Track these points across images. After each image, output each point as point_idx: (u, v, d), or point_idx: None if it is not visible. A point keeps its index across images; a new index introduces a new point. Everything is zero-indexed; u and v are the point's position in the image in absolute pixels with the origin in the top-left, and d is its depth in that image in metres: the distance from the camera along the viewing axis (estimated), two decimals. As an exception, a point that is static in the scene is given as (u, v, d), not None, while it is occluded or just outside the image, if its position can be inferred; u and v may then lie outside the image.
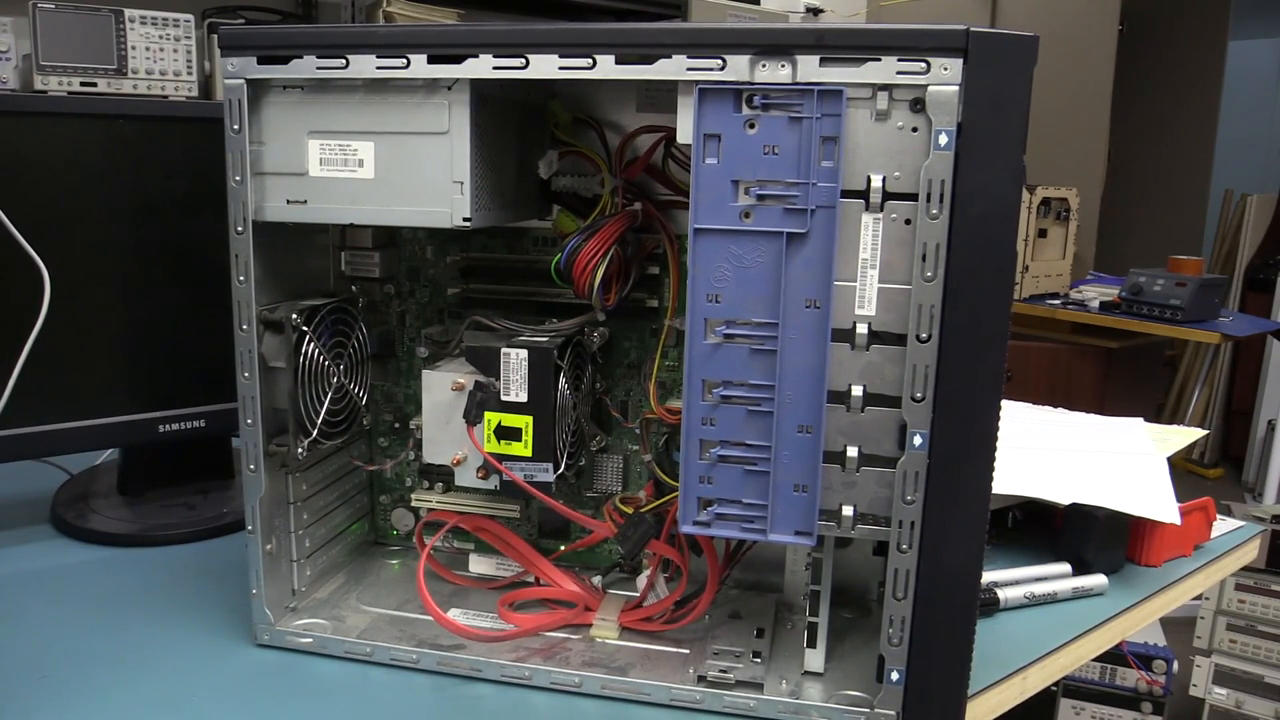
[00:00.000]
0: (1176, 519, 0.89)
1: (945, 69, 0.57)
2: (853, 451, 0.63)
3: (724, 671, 0.70)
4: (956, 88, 0.57)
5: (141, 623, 0.78)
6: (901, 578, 0.63)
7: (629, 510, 0.77)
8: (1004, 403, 0.61)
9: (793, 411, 0.63)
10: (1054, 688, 1.90)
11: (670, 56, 0.61)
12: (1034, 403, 1.25)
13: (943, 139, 0.58)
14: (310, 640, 0.75)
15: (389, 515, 0.90)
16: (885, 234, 0.60)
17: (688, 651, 0.74)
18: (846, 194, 0.60)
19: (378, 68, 0.65)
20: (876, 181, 0.60)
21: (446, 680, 0.72)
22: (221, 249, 0.69)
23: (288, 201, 0.70)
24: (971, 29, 0.57)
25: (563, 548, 0.86)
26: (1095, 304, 2.46)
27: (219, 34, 0.69)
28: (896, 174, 0.60)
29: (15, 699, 0.68)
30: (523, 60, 0.63)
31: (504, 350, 0.72)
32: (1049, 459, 1.02)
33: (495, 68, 0.64)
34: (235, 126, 0.68)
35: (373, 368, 0.84)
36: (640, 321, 0.81)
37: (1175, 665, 1.88)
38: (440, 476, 0.84)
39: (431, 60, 0.64)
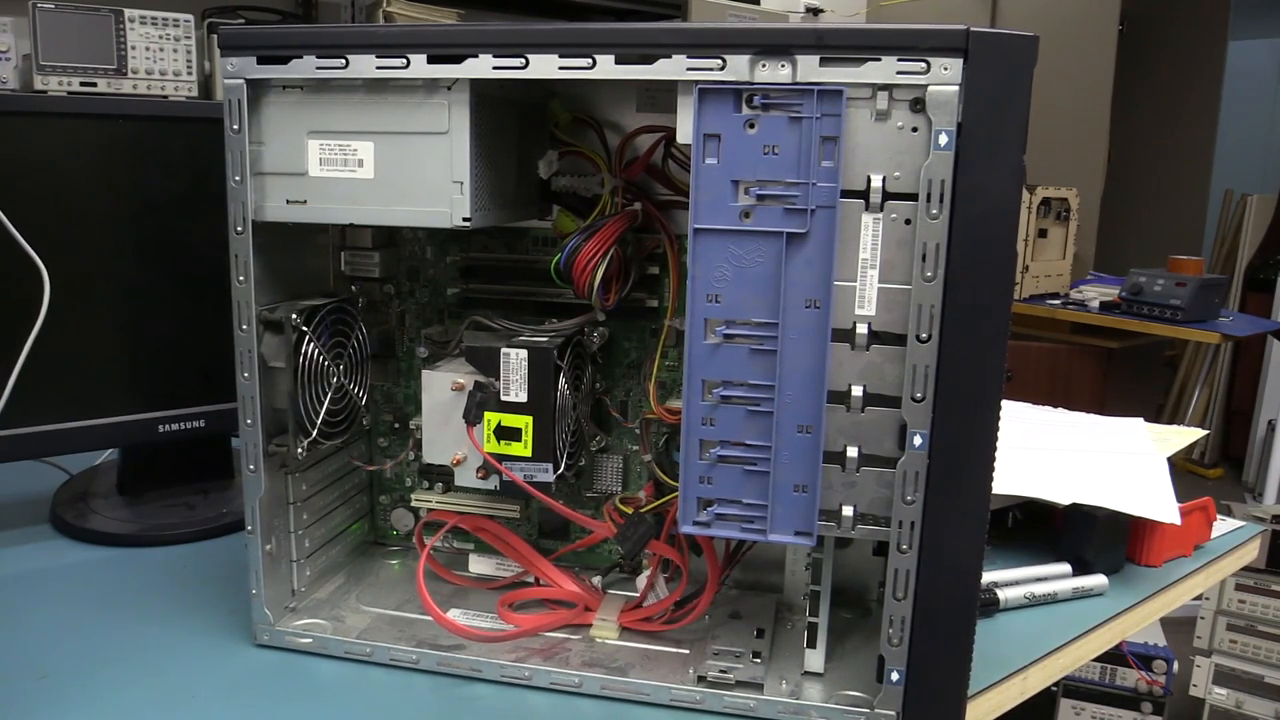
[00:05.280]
0: (1176, 519, 0.89)
1: (945, 69, 0.57)
2: (853, 451, 0.63)
3: (724, 671, 0.70)
4: (956, 88, 0.57)
5: (141, 623, 0.78)
6: (901, 578, 0.63)
7: (629, 510, 0.77)
8: (1004, 403, 0.61)
9: (793, 411, 0.63)
10: (1054, 688, 1.90)
11: (670, 56, 0.61)
12: (1034, 403, 1.25)
13: (943, 139, 0.58)
14: (310, 640, 0.75)
15: (389, 515, 0.90)
16: (885, 234, 0.60)
17: (688, 651, 0.74)
18: (846, 194, 0.60)
19: (378, 68, 0.65)
20: (876, 181, 0.60)
21: (446, 680, 0.72)
22: (221, 249, 0.69)
23: (288, 201, 0.70)
24: (971, 29, 0.57)
25: (563, 548, 0.85)
26: (1095, 304, 2.45)
27: (219, 34, 0.69)
28: (896, 174, 0.60)
29: (15, 699, 0.68)
30: (523, 60, 0.63)
31: (504, 350, 0.72)
32: (1049, 459, 1.02)
33: (495, 68, 0.64)
34: (235, 126, 0.68)
35: (373, 368, 0.84)
36: (640, 321, 0.81)
37: (1175, 665, 1.88)
38: (440, 476, 0.84)
39: (431, 60, 0.64)
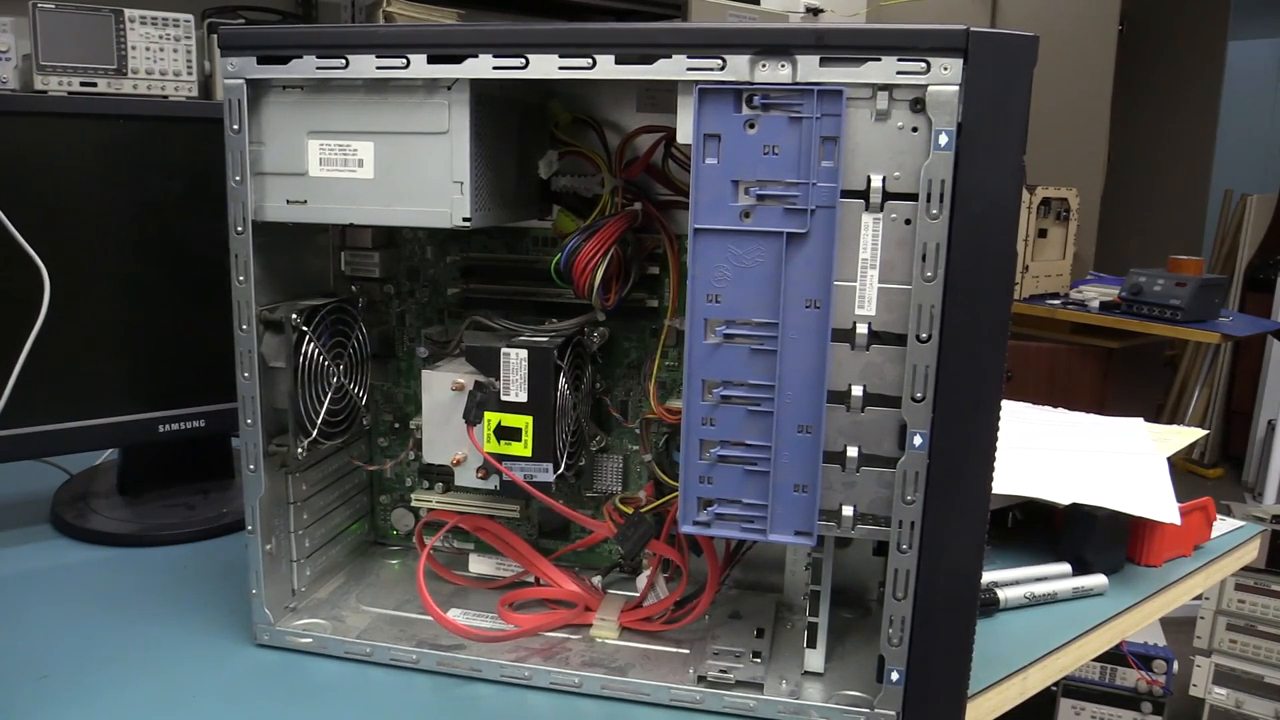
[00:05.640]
0: (1176, 519, 0.89)
1: (945, 69, 0.57)
2: (853, 451, 0.63)
3: (724, 671, 0.70)
4: (956, 88, 0.57)
5: (141, 623, 0.78)
6: (901, 578, 0.63)
7: (629, 510, 0.77)
8: (1004, 403, 0.61)
9: (793, 411, 0.63)
10: (1054, 688, 1.90)
11: (670, 56, 0.61)
12: (1034, 403, 1.25)
13: (943, 139, 0.58)
14: (310, 640, 0.75)
15: (389, 515, 0.90)
16: (885, 234, 0.60)
17: (688, 651, 0.74)
18: (846, 194, 0.60)
19: (378, 68, 0.65)
20: (876, 181, 0.60)
21: (446, 680, 0.72)
22: (221, 249, 0.69)
23: (288, 201, 0.69)
24: (971, 29, 0.57)
25: (563, 548, 0.86)
26: (1095, 304, 2.45)
27: (219, 34, 0.69)
28: (896, 174, 0.60)
29: (15, 699, 0.68)
30: (523, 60, 0.63)
31: (504, 350, 0.72)
32: (1049, 459, 1.02)
33: (495, 68, 0.64)
34: (235, 126, 0.68)
35: (373, 368, 0.84)
36: (640, 321, 0.81)
37: (1175, 665, 1.88)
38: (440, 476, 0.84)
39: (431, 60, 0.64)
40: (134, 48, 2.22)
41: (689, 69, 0.61)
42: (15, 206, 0.84)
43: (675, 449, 0.71)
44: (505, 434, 0.72)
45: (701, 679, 0.70)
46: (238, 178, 0.69)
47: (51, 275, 0.86)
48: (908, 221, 0.60)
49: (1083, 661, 0.83)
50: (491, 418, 0.73)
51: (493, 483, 0.75)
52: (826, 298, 0.61)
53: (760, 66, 0.60)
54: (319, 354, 0.75)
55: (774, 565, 0.82)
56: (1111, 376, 2.54)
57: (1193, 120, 4.14)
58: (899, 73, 0.58)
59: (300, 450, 0.74)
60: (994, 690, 0.73)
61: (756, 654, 0.72)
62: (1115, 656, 1.87)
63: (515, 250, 0.84)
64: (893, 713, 0.65)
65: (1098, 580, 0.88)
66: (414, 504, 0.85)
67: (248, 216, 0.69)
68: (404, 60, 0.65)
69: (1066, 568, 0.89)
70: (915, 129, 0.59)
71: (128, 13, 2.20)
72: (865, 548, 0.78)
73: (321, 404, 0.76)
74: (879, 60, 0.58)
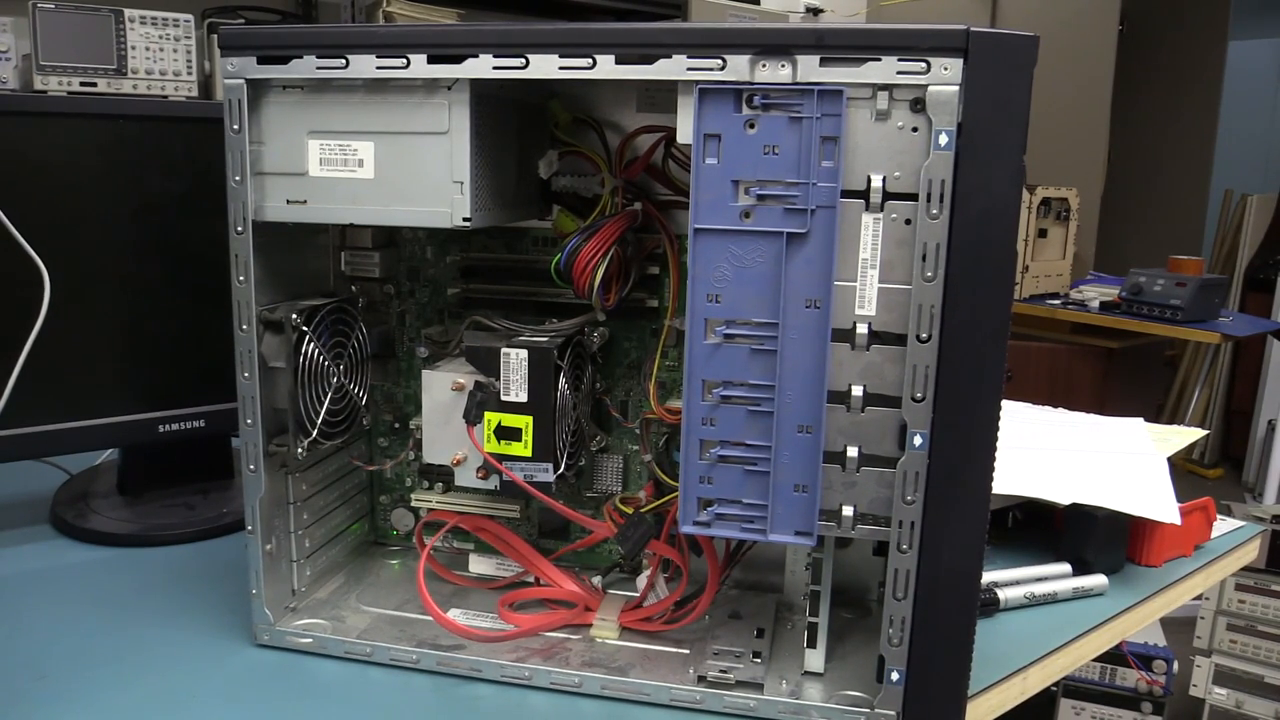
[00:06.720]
0: (1176, 519, 0.89)
1: (945, 69, 0.57)
2: (853, 451, 0.63)
3: (724, 671, 0.70)
4: (956, 88, 0.57)
5: (141, 623, 0.78)
6: (901, 578, 0.63)
7: (629, 510, 0.77)
8: (1004, 403, 0.61)
9: (793, 411, 0.63)
10: (1054, 688, 1.90)
11: (670, 56, 0.61)
12: (1034, 403, 1.25)
13: (943, 139, 0.58)
14: (310, 640, 0.75)
15: (389, 515, 0.90)
16: (885, 234, 0.60)
17: (688, 651, 0.74)
18: (847, 194, 0.60)
19: (378, 68, 0.65)
20: (876, 181, 0.60)
21: (446, 680, 0.72)
22: (221, 249, 0.69)
23: (288, 201, 0.70)
24: (971, 29, 0.57)
25: (563, 548, 0.85)
26: (1095, 304, 2.45)
27: (219, 34, 0.69)
28: (896, 174, 0.60)
29: (15, 699, 0.68)
30: (523, 60, 0.63)
31: (504, 350, 0.72)
32: (1049, 459, 1.02)
33: (495, 68, 0.64)
34: (235, 126, 0.68)
35: (373, 368, 0.84)
36: (640, 321, 0.81)
37: (1175, 665, 1.88)
38: (440, 476, 0.84)
39: (431, 60, 0.64)
40: (134, 48, 2.22)
41: (689, 69, 0.61)
42: (15, 206, 0.84)
43: (675, 449, 0.71)
44: (505, 434, 0.72)
45: (701, 679, 0.70)
46: (238, 178, 0.69)
47: (51, 275, 0.86)
48: (908, 221, 0.60)
49: (1083, 661, 0.83)
50: (491, 418, 0.73)
51: (493, 483, 0.75)
52: (826, 298, 0.61)
53: (760, 66, 0.60)
54: (319, 354, 0.75)
55: (774, 565, 0.82)
56: (1111, 376, 2.54)
57: (1193, 120, 4.14)
58: (899, 73, 0.58)
59: (300, 450, 0.74)
60: (994, 690, 0.73)
61: (756, 654, 0.72)
62: (1115, 656, 1.87)
63: (515, 250, 0.84)
64: (893, 713, 0.65)
65: (1098, 580, 0.88)
66: (414, 504, 0.85)
67: (248, 216, 0.69)
68: (404, 60, 0.65)
69: (1066, 568, 0.89)
70: (915, 129, 0.59)
71: (128, 13, 2.20)
72: (865, 548, 0.78)
73: (321, 404, 0.76)
74: (879, 60, 0.58)
